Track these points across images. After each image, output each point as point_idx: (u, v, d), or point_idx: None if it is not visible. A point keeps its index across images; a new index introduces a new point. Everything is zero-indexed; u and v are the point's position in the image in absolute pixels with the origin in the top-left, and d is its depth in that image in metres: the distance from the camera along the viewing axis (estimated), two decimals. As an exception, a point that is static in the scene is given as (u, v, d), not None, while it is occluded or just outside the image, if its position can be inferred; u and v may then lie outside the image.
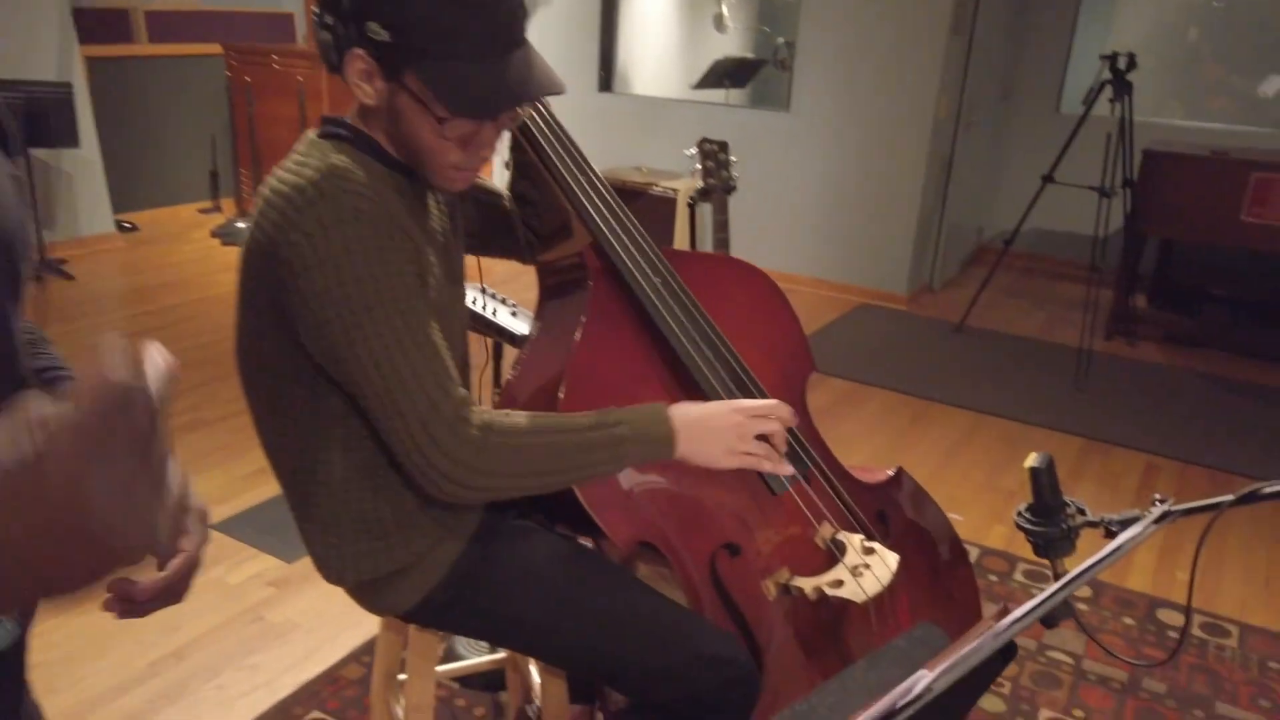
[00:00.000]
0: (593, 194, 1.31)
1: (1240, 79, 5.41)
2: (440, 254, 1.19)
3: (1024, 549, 2.83)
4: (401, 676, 1.55)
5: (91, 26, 5.17)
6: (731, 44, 6.86)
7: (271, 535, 2.60)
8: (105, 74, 5.31)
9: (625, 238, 1.32)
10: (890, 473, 1.61)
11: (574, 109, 5.67)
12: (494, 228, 1.43)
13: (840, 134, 4.93)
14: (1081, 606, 2.57)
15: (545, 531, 1.31)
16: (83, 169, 5.00)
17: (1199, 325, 4.71)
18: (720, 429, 1.18)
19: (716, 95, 6.08)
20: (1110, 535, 1.34)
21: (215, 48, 5.92)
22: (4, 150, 0.76)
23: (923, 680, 0.67)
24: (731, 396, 1.35)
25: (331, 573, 1.22)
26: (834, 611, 1.45)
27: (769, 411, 1.21)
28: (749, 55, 6.60)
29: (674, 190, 4.94)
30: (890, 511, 1.58)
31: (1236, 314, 4.77)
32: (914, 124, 4.73)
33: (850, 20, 4.75)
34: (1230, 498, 1.11)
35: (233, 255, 5.22)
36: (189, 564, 0.80)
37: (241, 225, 5.54)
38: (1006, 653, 0.74)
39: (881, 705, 0.68)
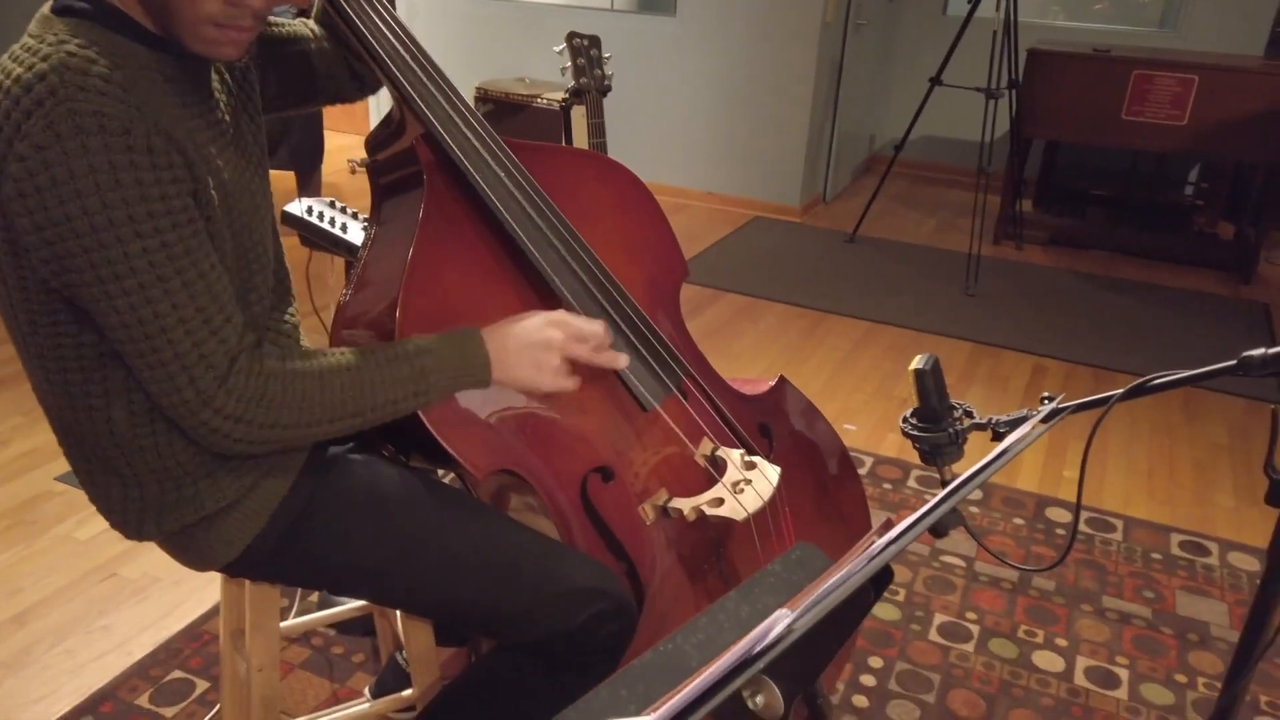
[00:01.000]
0: (421, 75, 1.14)
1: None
2: (232, 146, 1.01)
3: (914, 455, 2.82)
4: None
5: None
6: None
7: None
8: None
9: (461, 125, 1.15)
10: (771, 383, 1.52)
11: (450, 15, 5.34)
12: (307, 77, 1.22)
13: (728, 39, 4.76)
14: (972, 510, 2.58)
15: (387, 463, 1.17)
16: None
17: (1083, 227, 4.78)
18: (530, 344, 1.06)
19: (601, 1, 5.82)
20: (998, 437, 1.27)
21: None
22: None
23: (781, 621, 0.56)
24: (593, 302, 1.23)
25: (131, 528, 1.06)
26: (717, 533, 1.37)
27: (590, 332, 1.12)
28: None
29: (559, 102, 4.71)
30: (773, 424, 1.48)
31: (1119, 214, 4.86)
32: (802, 27, 4.59)
33: (734, -82, 4.55)
34: (1119, 392, 1.04)
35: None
36: None
37: None
38: (881, 580, 0.64)
39: (738, 650, 0.57)
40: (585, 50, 2.18)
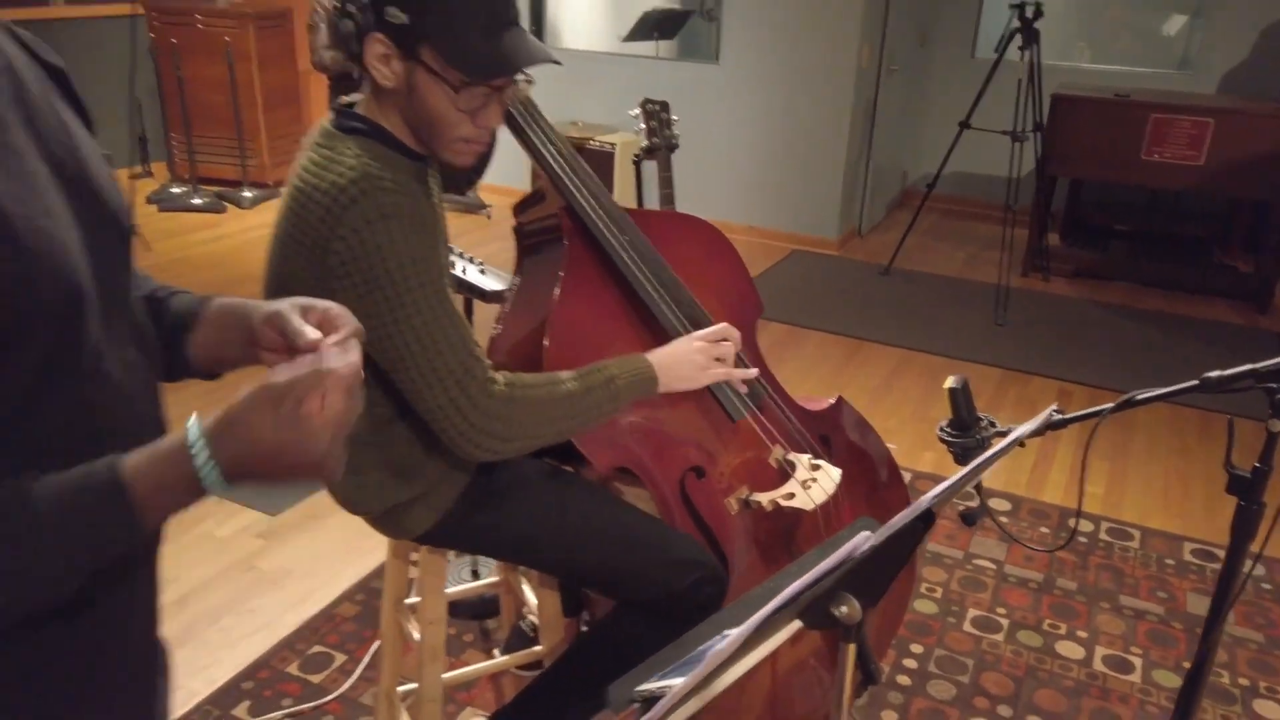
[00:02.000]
0: (566, 163, 1.47)
1: (1142, 19, 5.71)
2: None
3: (952, 470, 3.10)
4: (409, 600, 1.73)
5: (2, -10, 5.05)
6: (659, -4, 6.93)
7: (251, 492, 2.73)
8: (25, 40, 5.19)
9: (595, 200, 1.48)
10: (831, 401, 1.83)
11: (508, 66, 5.72)
12: (449, 176, 1.55)
13: (768, 85, 5.10)
14: (1003, 518, 2.85)
15: (534, 460, 1.50)
16: None
17: (1107, 259, 5.05)
18: (686, 355, 1.39)
19: (647, 48, 6.18)
20: (1020, 444, 1.58)
21: (134, 8, 5.80)
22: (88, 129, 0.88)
23: (868, 541, 0.87)
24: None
25: (358, 506, 1.38)
26: (788, 521, 1.67)
27: (721, 334, 1.45)
28: (676, 7, 6.70)
29: (610, 144, 5.07)
30: (832, 435, 1.79)
31: (1140, 248, 5.12)
32: (838, 73, 4.92)
33: (776, -26, 4.90)
34: (1109, 406, 1.34)
35: (172, 221, 5.21)
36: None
37: (179, 191, 5.51)
38: (927, 519, 0.95)
39: (829, 562, 0.88)
40: (657, 113, 2.51)
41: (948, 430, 1.56)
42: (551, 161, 1.46)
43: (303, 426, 0.72)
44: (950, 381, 1.53)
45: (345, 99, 1.30)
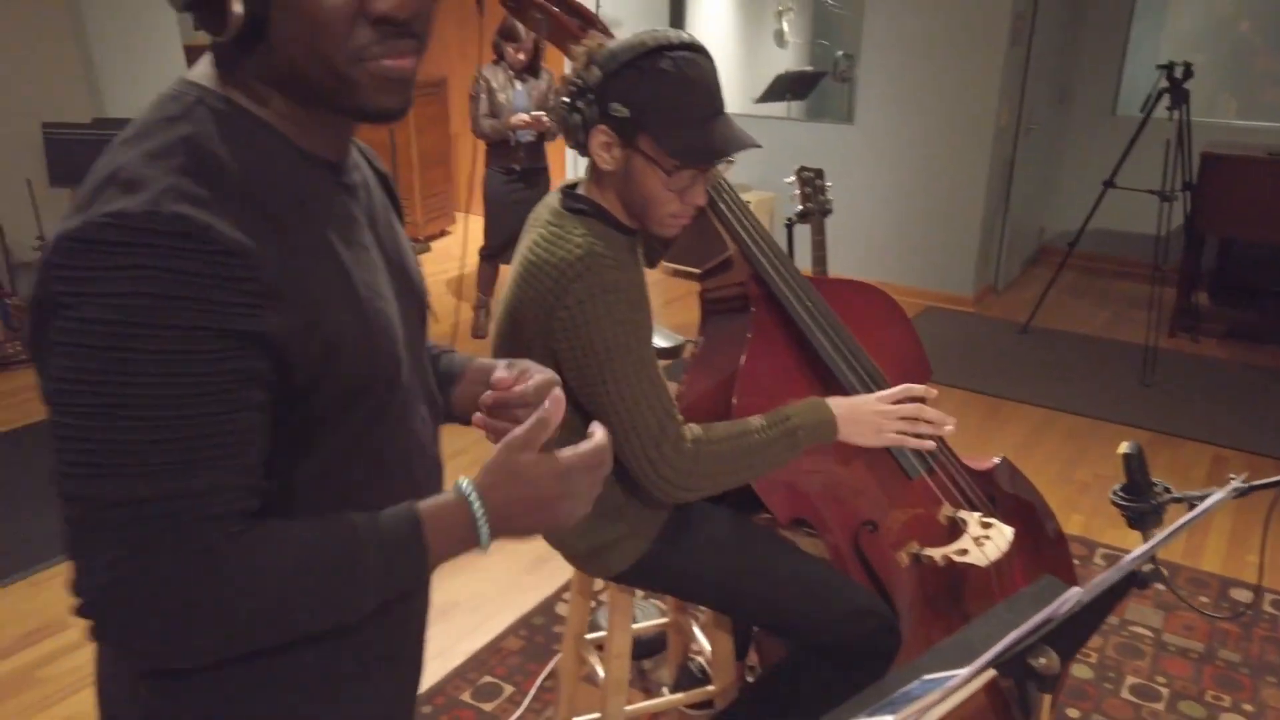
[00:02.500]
0: (756, 235, 1.60)
1: (1295, 76, 5.54)
2: None
3: (1101, 534, 3.06)
4: (589, 635, 1.85)
5: (193, 62, 5.57)
6: (791, 58, 7.12)
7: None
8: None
9: (783, 269, 1.60)
10: (996, 460, 1.88)
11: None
12: None
13: (904, 144, 5.17)
14: (1158, 586, 2.80)
15: (721, 507, 1.61)
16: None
17: (1260, 320, 4.87)
18: (868, 414, 1.47)
19: (779, 109, 6.34)
20: (1192, 506, 1.60)
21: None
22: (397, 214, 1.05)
23: (1071, 599, 0.94)
24: (871, 398, 1.64)
25: (565, 544, 1.52)
26: (956, 575, 1.72)
27: (902, 394, 1.53)
28: (809, 68, 6.86)
29: (747, 203, 5.21)
30: (998, 493, 1.84)
31: (1297, 308, 4.92)
32: (976, 133, 4.95)
33: (911, 36, 4.99)
34: (1298, 473, 1.36)
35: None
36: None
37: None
38: (1134, 579, 1.01)
39: (1043, 614, 0.95)
40: (811, 180, 2.63)
41: (1122, 495, 1.59)
42: (743, 234, 1.59)
43: (571, 484, 0.87)
44: (1124, 447, 1.57)
45: (569, 181, 1.46)
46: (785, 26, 6.81)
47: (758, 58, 6.96)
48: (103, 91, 4.92)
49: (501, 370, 0.99)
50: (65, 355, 0.71)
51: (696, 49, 1.35)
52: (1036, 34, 5.06)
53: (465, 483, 0.85)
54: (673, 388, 1.51)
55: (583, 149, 1.38)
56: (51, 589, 2.67)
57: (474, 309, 4.88)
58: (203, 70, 0.82)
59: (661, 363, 1.78)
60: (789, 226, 2.88)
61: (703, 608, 1.90)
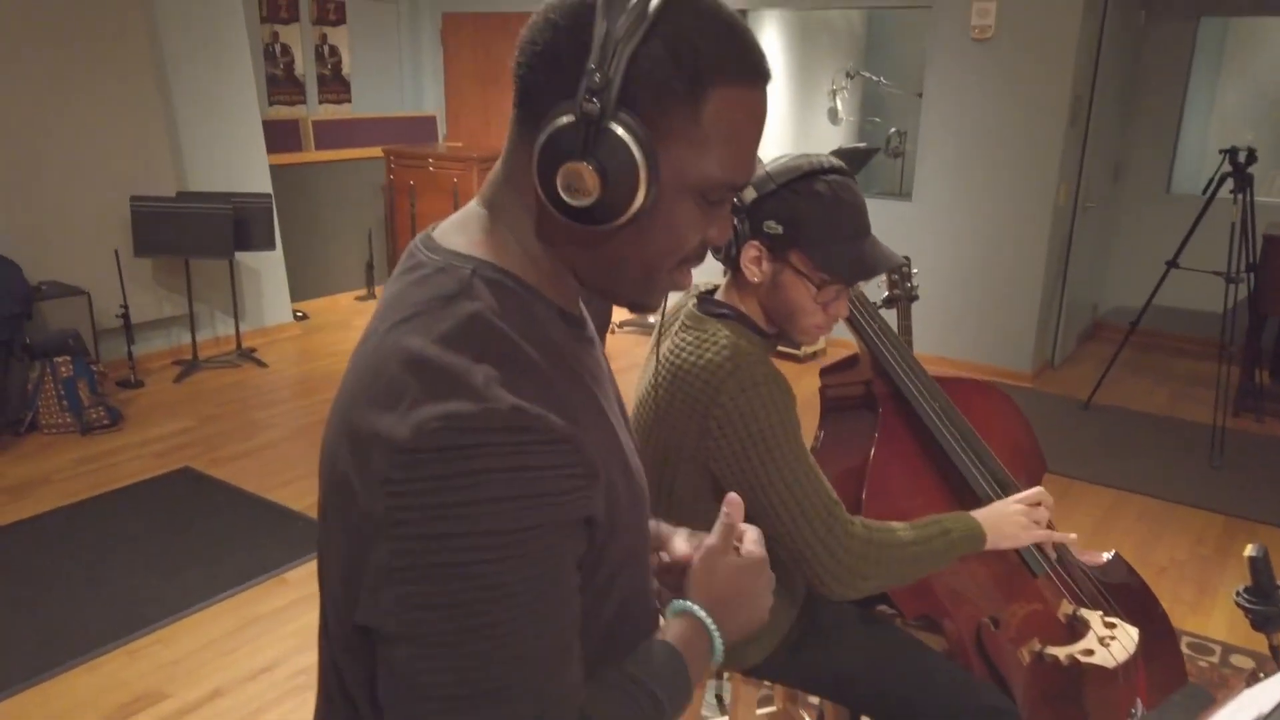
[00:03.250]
0: (886, 338, 1.66)
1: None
2: None
3: (1183, 621, 3.04)
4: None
5: (270, 137, 5.79)
6: (844, 135, 7.27)
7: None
8: (282, 179, 5.91)
9: (911, 370, 1.66)
10: (1109, 556, 1.90)
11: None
12: None
13: (962, 221, 5.24)
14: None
15: (851, 604, 1.64)
16: (268, 265, 5.58)
17: (1326, 401, 4.84)
18: (1010, 518, 1.51)
19: (833, 183, 6.45)
20: (1321, 613, 1.61)
21: (373, 151, 6.53)
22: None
23: (1254, 704, 0.97)
24: (997, 496, 1.67)
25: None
26: (1076, 674, 1.73)
27: (1037, 498, 1.56)
28: (862, 144, 7.00)
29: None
30: (1113, 589, 1.86)
31: (1363, 389, 4.89)
32: (1035, 211, 5.02)
33: (969, 115, 5.09)
34: None
35: (397, 341, 5.71)
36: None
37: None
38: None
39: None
40: (899, 267, 2.70)
41: (1247, 597, 1.61)
42: (874, 337, 1.65)
43: (761, 577, 0.94)
44: (1250, 550, 1.60)
45: (702, 289, 1.53)
46: (839, 104, 6.97)
47: (811, 133, 7.12)
48: (186, 166, 5.12)
49: (682, 542, 1.01)
50: (410, 580, 0.66)
51: (846, 173, 1.43)
52: (1094, 113, 5.15)
53: (684, 603, 0.89)
54: None
55: (731, 262, 1.45)
56: (149, 657, 2.72)
57: None
58: (460, 237, 0.81)
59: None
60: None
61: (820, 699, 1.91)
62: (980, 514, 1.52)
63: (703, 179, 0.76)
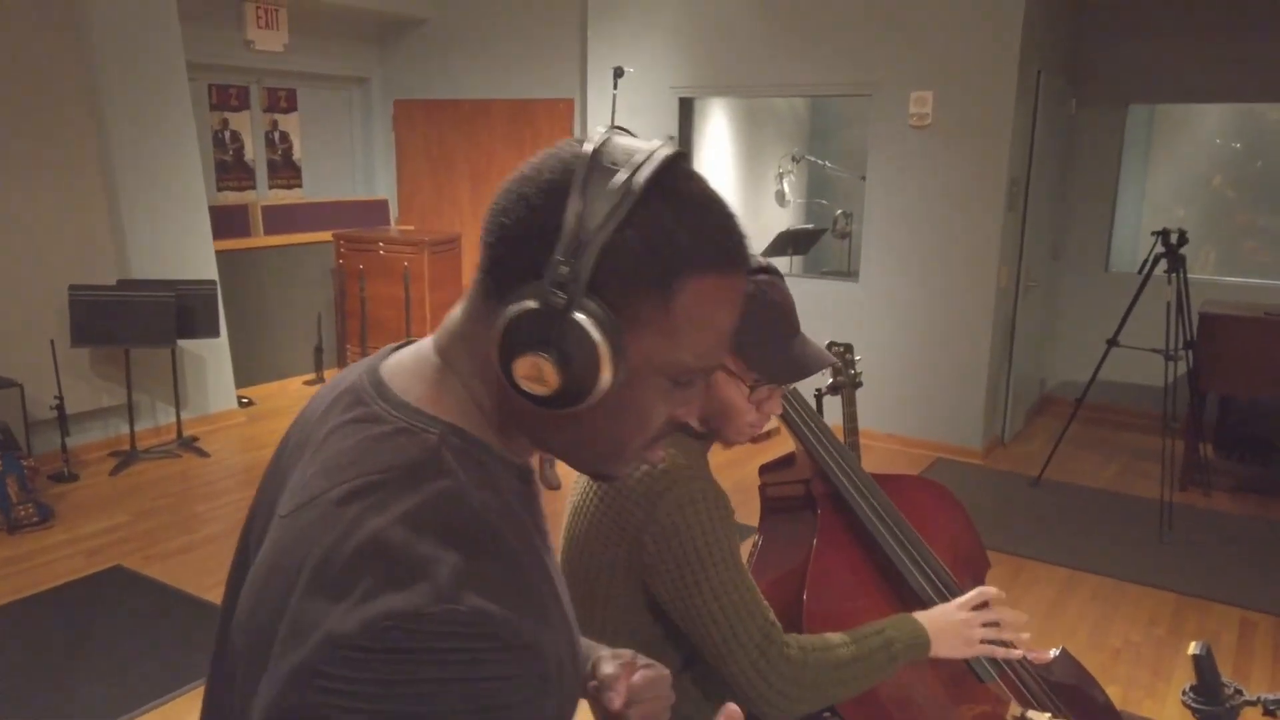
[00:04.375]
0: (820, 434, 1.64)
1: (1272, 220, 5.80)
2: None
3: (1139, 705, 3.00)
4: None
5: (218, 222, 5.74)
6: (791, 216, 7.41)
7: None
8: (230, 264, 5.85)
9: (848, 468, 1.63)
10: (1056, 652, 1.86)
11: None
12: None
13: (908, 301, 5.32)
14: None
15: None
16: (212, 351, 5.47)
17: (1269, 473, 4.92)
18: (955, 626, 1.46)
19: (782, 264, 6.55)
20: (1269, 714, 1.59)
21: (323, 235, 6.51)
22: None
23: None
24: (941, 598, 1.64)
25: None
26: (1028, 781, 1.69)
27: (980, 599, 1.51)
28: (809, 226, 7.12)
29: (817, 391, 5.31)
30: (1058, 686, 1.82)
31: (1304, 462, 4.98)
32: (978, 292, 5.11)
33: (910, 200, 5.21)
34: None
35: (345, 427, 5.61)
36: None
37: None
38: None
39: None
40: (841, 355, 2.70)
41: (1193, 696, 1.58)
42: (807, 434, 1.63)
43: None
44: (1194, 648, 1.57)
45: None
46: (785, 187, 7.11)
47: (760, 214, 7.24)
48: (129, 254, 5.05)
49: (609, 665, 0.99)
50: None
51: (774, 271, 1.42)
52: (1031, 197, 5.30)
53: None
54: None
55: None
56: (65, 778, 2.56)
57: (539, 459, 4.88)
58: (416, 386, 0.76)
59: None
60: (818, 398, 2.93)
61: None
62: (924, 617, 1.48)
63: (672, 366, 0.73)
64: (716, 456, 1.53)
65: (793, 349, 1.40)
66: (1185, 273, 4.39)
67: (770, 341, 1.39)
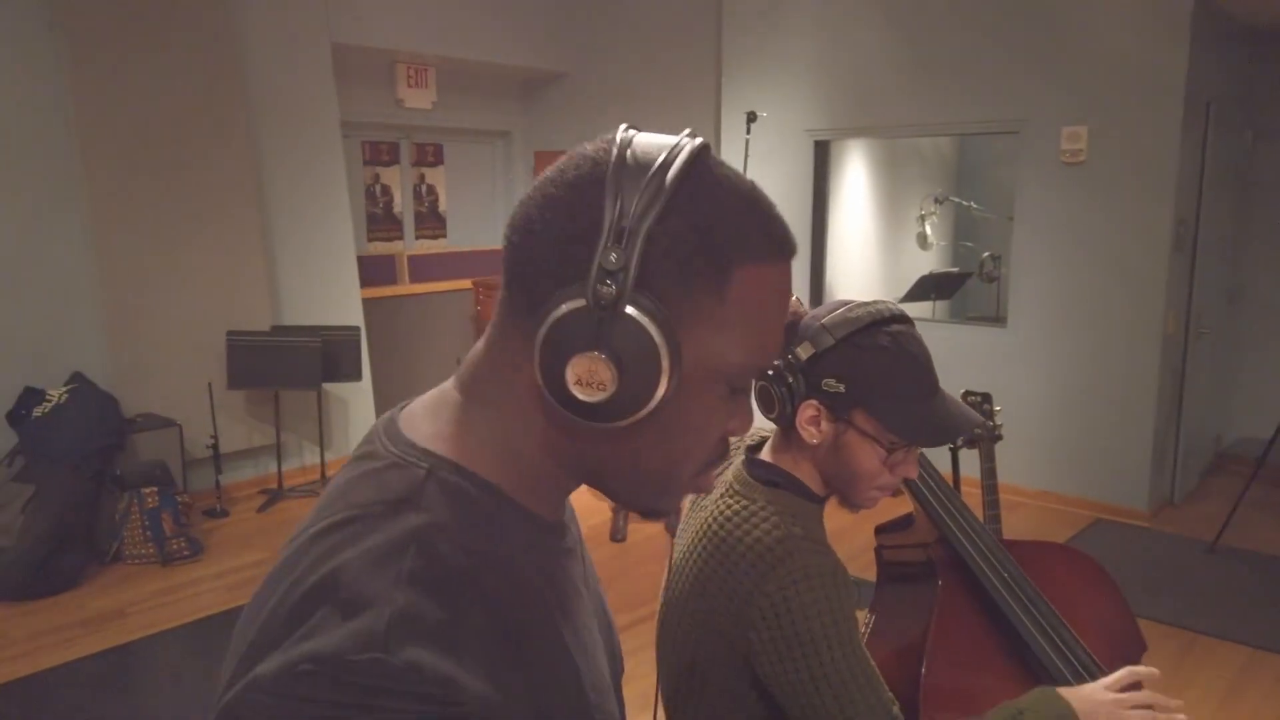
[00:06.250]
0: (946, 499, 1.49)
1: None
2: None
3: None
4: None
5: (367, 271, 6.00)
6: (934, 260, 7.12)
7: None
8: (375, 311, 6.08)
9: (975, 537, 1.47)
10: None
11: (789, 329, 5.97)
12: None
13: (1063, 349, 4.97)
14: None
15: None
16: (356, 395, 5.68)
17: None
18: (1104, 705, 1.27)
19: (924, 309, 6.28)
20: None
21: (464, 283, 6.70)
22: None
23: None
24: (1078, 680, 1.45)
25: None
26: None
27: (1127, 679, 1.32)
28: (954, 269, 6.82)
29: (951, 446, 5.07)
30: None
31: None
32: (1141, 339, 4.72)
33: (1063, 241, 4.88)
34: None
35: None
36: None
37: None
38: None
39: None
40: (979, 405, 2.50)
41: None
42: (931, 498, 1.48)
43: None
44: None
45: (750, 440, 1.39)
46: (928, 229, 6.85)
47: (900, 258, 6.99)
48: (281, 301, 5.32)
49: None
50: None
51: (907, 320, 1.29)
52: (1201, 238, 4.88)
53: None
54: None
55: (785, 420, 1.31)
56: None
57: (612, 510, 4.82)
58: (428, 424, 0.71)
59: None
60: (954, 451, 2.73)
61: None
62: (1069, 695, 1.30)
63: (728, 364, 0.68)
64: (830, 519, 1.39)
65: (935, 408, 1.26)
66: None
67: (911, 399, 1.26)
